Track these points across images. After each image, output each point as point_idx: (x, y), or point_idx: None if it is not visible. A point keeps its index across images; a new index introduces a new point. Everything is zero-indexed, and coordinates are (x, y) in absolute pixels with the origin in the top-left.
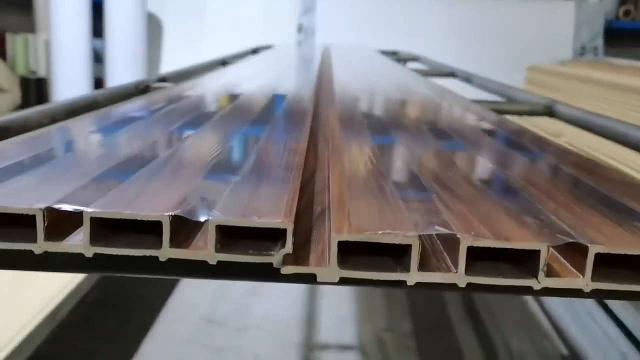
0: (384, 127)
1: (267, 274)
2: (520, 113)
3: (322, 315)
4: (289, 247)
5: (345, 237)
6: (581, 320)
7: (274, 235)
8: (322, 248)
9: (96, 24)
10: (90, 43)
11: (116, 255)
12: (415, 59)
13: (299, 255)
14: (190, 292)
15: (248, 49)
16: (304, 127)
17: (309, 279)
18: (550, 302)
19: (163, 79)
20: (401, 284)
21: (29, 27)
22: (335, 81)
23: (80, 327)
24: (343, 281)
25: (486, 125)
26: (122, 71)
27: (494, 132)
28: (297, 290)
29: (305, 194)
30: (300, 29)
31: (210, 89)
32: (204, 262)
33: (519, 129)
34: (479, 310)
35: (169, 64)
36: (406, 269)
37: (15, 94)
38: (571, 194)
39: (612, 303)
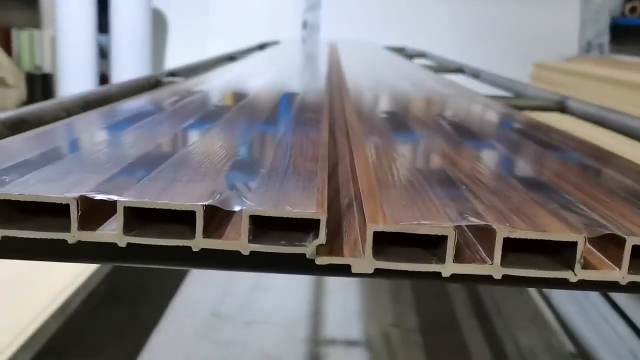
0: (401, 121)
1: (300, 265)
2: (531, 108)
3: (328, 311)
4: (322, 238)
5: (382, 227)
6: (591, 318)
7: (305, 227)
8: (355, 239)
9: (101, 20)
10: (96, 38)
11: (147, 246)
12: (421, 55)
13: (332, 246)
14: (198, 287)
15: (255, 44)
16: (323, 120)
17: (342, 270)
18: (559, 300)
19: (173, 74)
20: (435, 276)
21: (35, 22)
22: (347, 77)
23: (89, 321)
24: (377, 273)
25: (505, 119)
26: (127, 67)
27: (513, 126)
28: (303, 285)
29: (330, 185)
30: (305, 25)
31: (223, 83)
32: (236, 254)
33: (538, 123)
34: (486, 308)
35: (173, 60)
36: (441, 260)
37: (20, 90)
38: (600, 186)
39: (621, 302)
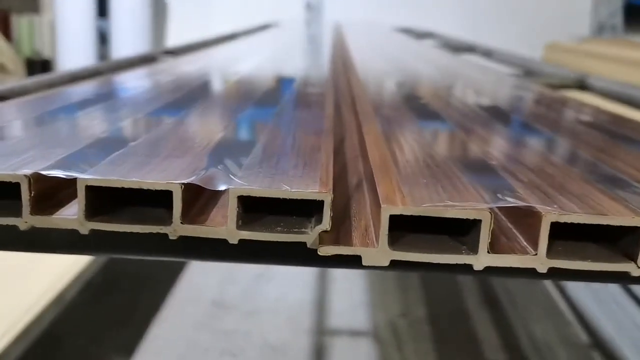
0: (414, 96)
1: (300, 256)
2: (550, 87)
3: (333, 300)
4: (326, 224)
5: (400, 210)
6: (607, 307)
7: (306, 211)
8: (366, 224)
9: (101, 4)
10: (95, 23)
11: (118, 233)
12: (429, 35)
13: (338, 233)
14: (200, 274)
15: (257, 25)
16: (328, 94)
17: (350, 262)
18: (574, 289)
19: (171, 52)
20: (465, 269)
21: (34, 7)
22: (352, 54)
23: (87, 310)
24: (393, 265)
25: (524, 94)
26: (127, 52)
27: (533, 100)
28: (307, 274)
29: (337, 162)
30: (308, 6)
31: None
32: (223, 242)
33: (561, 97)
34: (498, 296)
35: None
36: (472, 250)
37: (20, 76)
38: None
39: (639, 290)
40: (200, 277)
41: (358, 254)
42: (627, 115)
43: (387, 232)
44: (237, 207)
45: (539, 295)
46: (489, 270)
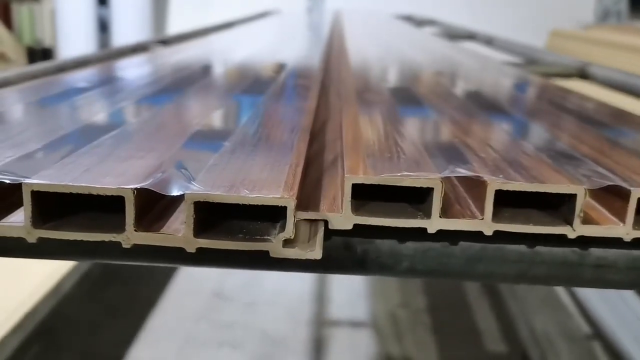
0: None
1: (263, 261)
2: (550, 75)
3: (333, 291)
4: (289, 230)
5: (361, 179)
6: (608, 299)
7: (274, 214)
8: (334, 195)
9: None
10: (96, 11)
11: (67, 240)
12: (431, 22)
13: (309, 202)
14: None
15: (256, 14)
16: (313, 85)
17: (315, 267)
18: None
19: (163, 42)
20: (420, 234)
21: None
22: (347, 40)
23: (84, 301)
24: (357, 231)
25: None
26: (128, 40)
27: (514, 84)
28: None
29: (317, 142)
30: None
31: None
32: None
33: (540, 82)
34: (498, 287)
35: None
36: (427, 215)
37: (21, 64)
38: (607, 141)
39: None
40: (199, 268)
41: (325, 218)
42: (627, 104)
43: (349, 199)
44: (194, 213)
45: (540, 286)
46: (442, 235)
